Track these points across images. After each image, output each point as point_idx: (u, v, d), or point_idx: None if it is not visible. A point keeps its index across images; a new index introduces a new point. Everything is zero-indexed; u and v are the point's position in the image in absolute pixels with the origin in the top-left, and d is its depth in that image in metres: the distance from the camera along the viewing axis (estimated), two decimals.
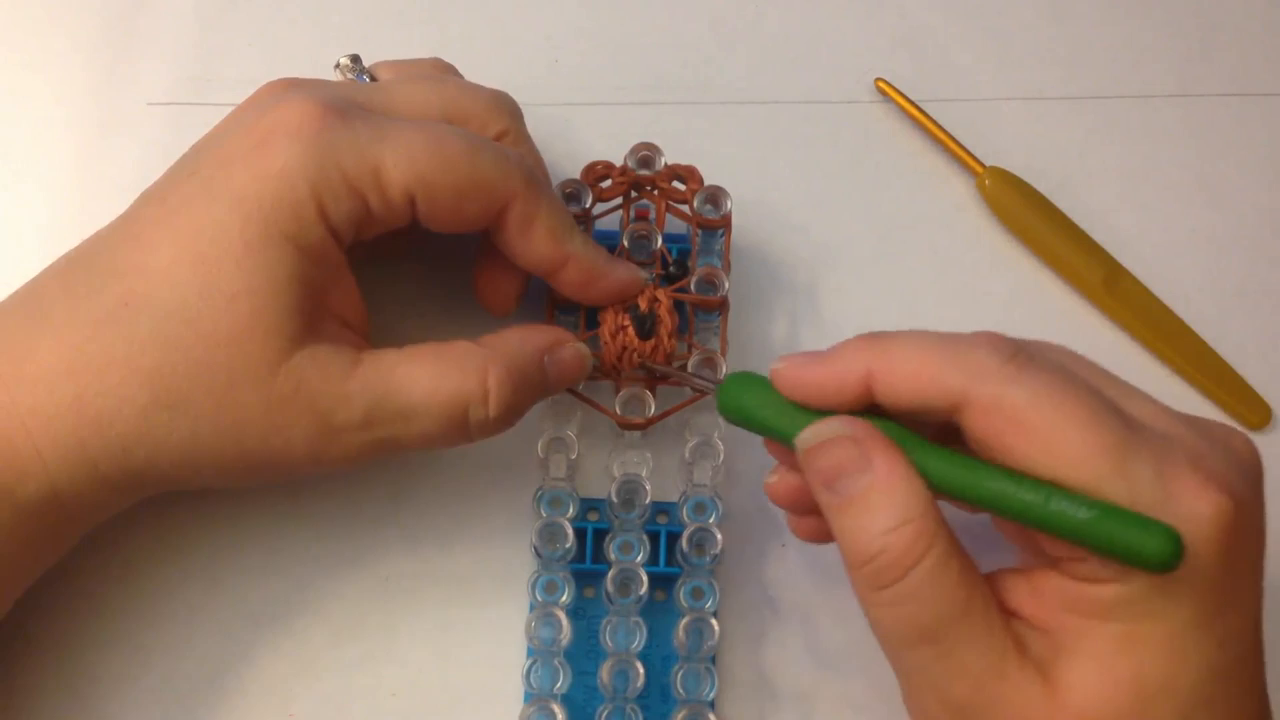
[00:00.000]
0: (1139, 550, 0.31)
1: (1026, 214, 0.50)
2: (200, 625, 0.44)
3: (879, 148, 0.51)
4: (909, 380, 0.34)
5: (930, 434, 0.35)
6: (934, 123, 0.51)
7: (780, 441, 0.37)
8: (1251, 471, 0.35)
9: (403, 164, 0.39)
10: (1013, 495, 0.33)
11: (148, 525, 0.44)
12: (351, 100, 0.40)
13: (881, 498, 0.34)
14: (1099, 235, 0.50)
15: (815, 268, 0.49)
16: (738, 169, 0.50)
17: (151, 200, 0.40)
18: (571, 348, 0.42)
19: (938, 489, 0.34)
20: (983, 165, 0.50)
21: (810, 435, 0.36)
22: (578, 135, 0.50)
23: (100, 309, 0.38)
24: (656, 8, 0.53)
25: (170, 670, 0.43)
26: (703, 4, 0.53)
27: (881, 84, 0.52)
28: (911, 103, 0.51)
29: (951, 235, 0.50)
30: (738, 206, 0.46)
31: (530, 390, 0.41)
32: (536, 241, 0.42)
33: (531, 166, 0.42)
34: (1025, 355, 0.34)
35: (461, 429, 0.40)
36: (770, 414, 0.37)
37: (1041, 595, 0.34)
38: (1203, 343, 0.49)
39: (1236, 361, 0.48)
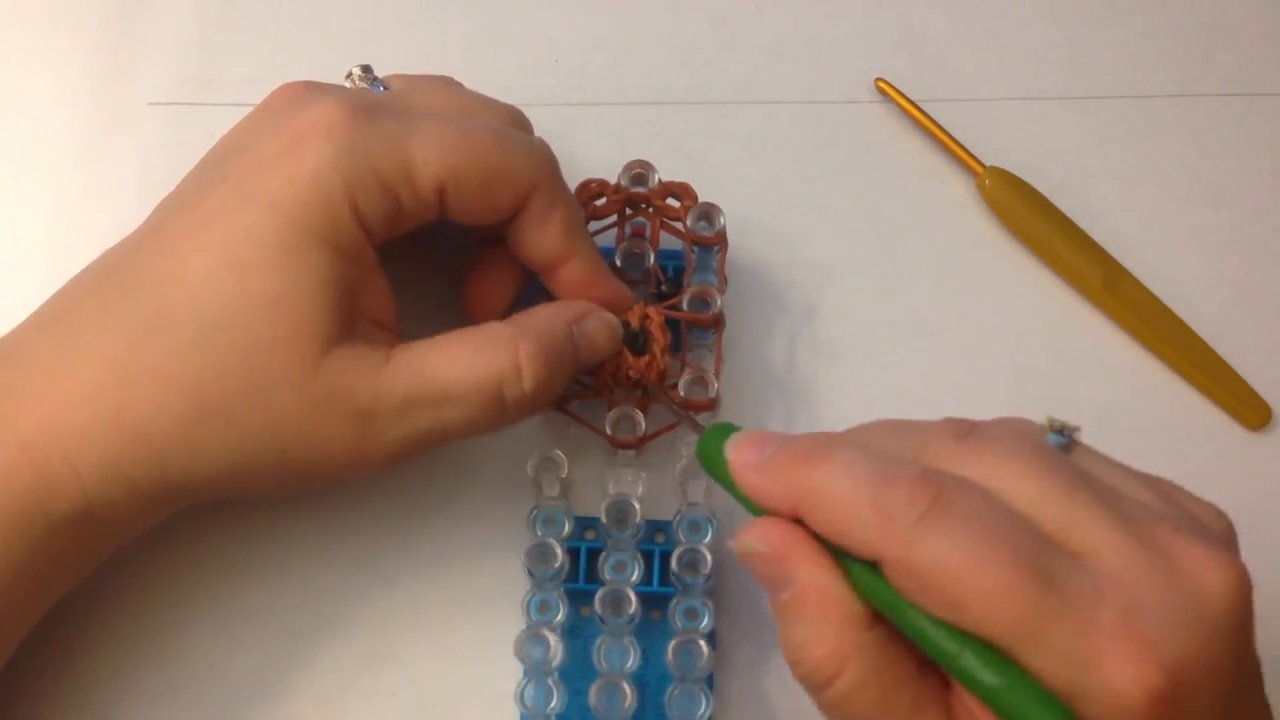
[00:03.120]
0: None
1: (1026, 214, 0.50)
2: (199, 626, 0.44)
3: (879, 148, 0.51)
4: (828, 530, 0.33)
5: None
6: (934, 123, 0.51)
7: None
8: (1218, 617, 0.30)
9: (432, 158, 0.39)
10: (929, 635, 0.32)
11: None
12: (375, 101, 0.41)
13: (798, 614, 0.33)
14: (1099, 235, 0.50)
15: (814, 270, 0.49)
16: (737, 169, 0.50)
17: (180, 208, 0.40)
18: (598, 317, 0.43)
19: (868, 602, 0.33)
20: (983, 165, 0.50)
21: (737, 545, 0.35)
22: (578, 136, 0.50)
23: (136, 321, 0.38)
24: (656, 8, 0.53)
25: (169, 671, 0.44)
26: (703, 4, 0.53)
27: (881, 84, 0.52)
28: (911, 103, 0.51)
29: (951, 235, 0.50)
30: (735, 211, 0.46)
31: (563, 363, 0.41)
32: (550, 233, 0.42)
33: (553, 155, 0.43)
34: (942, 506, 0.31)
35: (499, 409, 0.40)
36: (731, 482, 0.36)
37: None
38: (1203, 343, 0.49)
39: (1236, 361, 0.48)
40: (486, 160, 0.40)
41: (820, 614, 0.33)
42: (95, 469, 0.37)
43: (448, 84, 0.46)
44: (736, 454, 0.35)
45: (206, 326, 0.37)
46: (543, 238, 0.42)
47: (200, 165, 0.41)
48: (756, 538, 0.34)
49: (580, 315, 0.42)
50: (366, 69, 0.44)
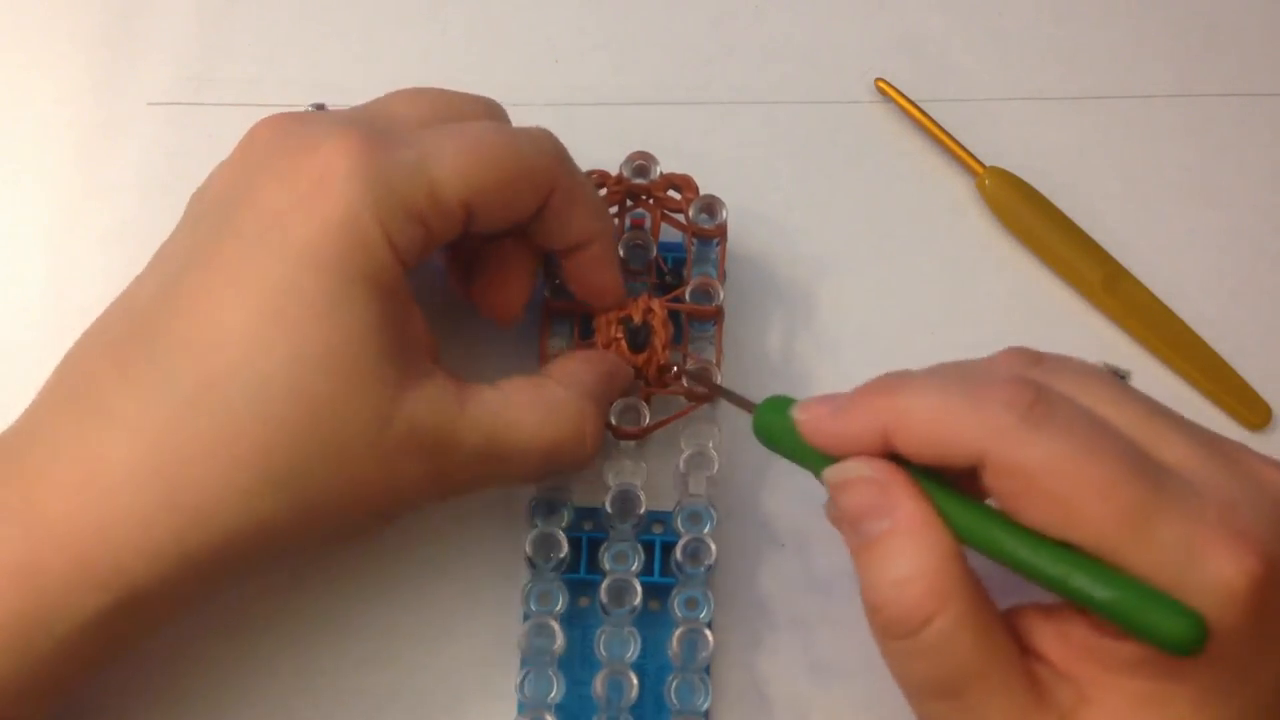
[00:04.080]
0: (1160, 633, 0.31)
1: (1026, 214, 0.50)
2: (199, 627, 0.44)
3: (879, 148, 0.51)
4: (925, 440, 0.33)
5: (957, 477, 0.34)
6: (934, 123, 0.51)
7: (813, 473, 0.36)
8: None
9: (453, 177, 0.38)
10: (1032, 561, 0.32)
11: None
12: (370, 120, 0.39)
13: (899, 546, 0.33)
14: (1099, 235, 0.50)
15: (814, 269, 0.49)
16: (737, 169, 0.50)
17: (192, 265, 0.37)
18: (625, 373, 0.44)
19: (960, 539, 0.33)
20: (983, 165, 0.50)
21: (835, 473, 0.35)
22: (578, 135, 0.49)
23: (177, 394, 0.35)
24: (656, 8, 0.53)
25: (169, 673, 0.43)
26: (703, 4, 0.53)
27: (881, 84, 0.52)
28: (911, 103, 0.51)
29: (951, 235, 0.50)
30: (736, 208, 0.46)
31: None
32: (578, 218, 0.42)
33: (560, 142, 0.42)
34: (1044, 406, 0.32)
35: (553, 469, 0.41)
36: (800, 447, 0.36)
37: (1067, 641, 0.33)
38: (1203, 343, 0.49)
39: (1236, 361, 0.48)
40: (505, 166, 0.39)
41: (923, 544, 0.33)
42: (146, 557, 0.35)
43: (418, 92, 0.43)
44: (806, 411, 0.36)
45: (260, 391, 0.35)
46: (570, 225, 0.42)
47: (194, 218, 0.39)
48: (861, 464, 0.34)
49: (613, 372, 0.43)
50: (320, 108, 0.43)
